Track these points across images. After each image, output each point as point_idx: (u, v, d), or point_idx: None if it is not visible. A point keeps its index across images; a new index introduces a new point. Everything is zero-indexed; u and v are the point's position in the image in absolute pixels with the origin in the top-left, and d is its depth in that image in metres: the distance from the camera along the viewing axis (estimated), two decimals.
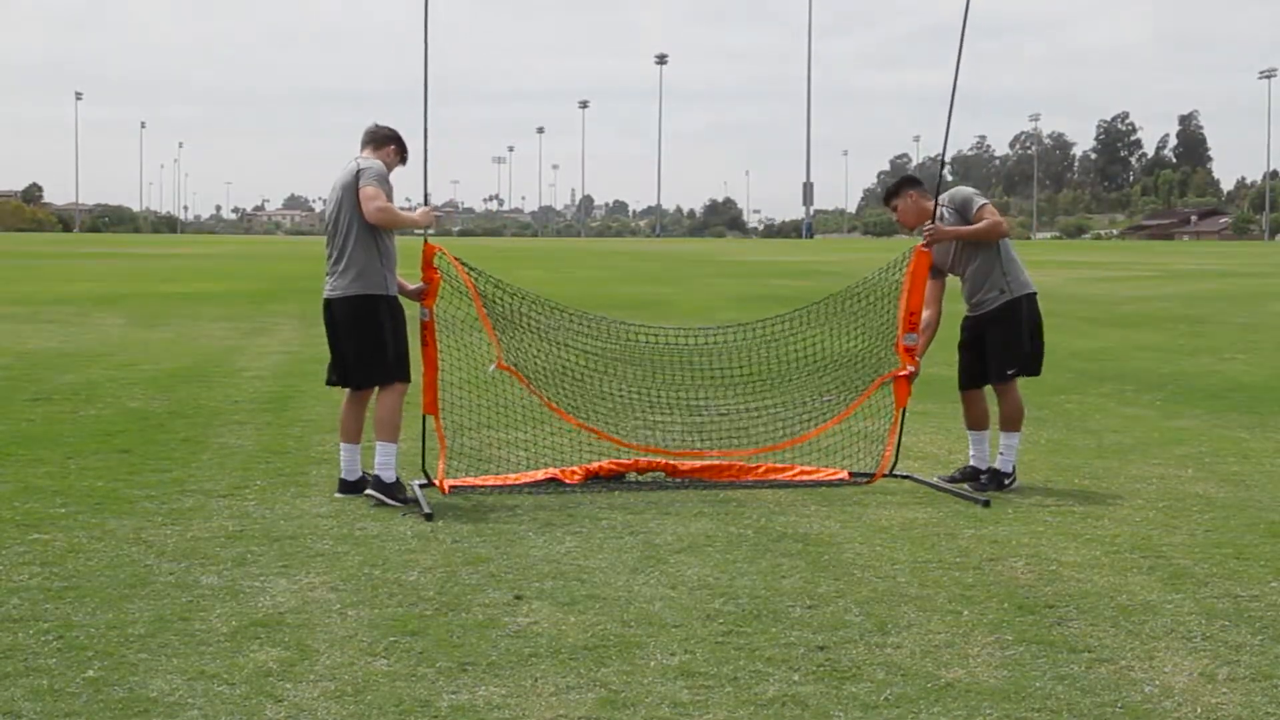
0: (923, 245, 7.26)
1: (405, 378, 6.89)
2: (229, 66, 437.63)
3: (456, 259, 7.11)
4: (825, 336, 7.99)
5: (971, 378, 7.44)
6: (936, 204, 7.40)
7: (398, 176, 7.10)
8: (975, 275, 7.30)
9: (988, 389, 7.46)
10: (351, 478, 6.89)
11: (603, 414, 7.86)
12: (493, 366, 7.28)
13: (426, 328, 6.94)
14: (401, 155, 7.09)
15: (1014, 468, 7.29)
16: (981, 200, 7.33)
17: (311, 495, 6.86)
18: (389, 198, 6.77)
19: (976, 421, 7.49)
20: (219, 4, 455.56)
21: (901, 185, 7.55)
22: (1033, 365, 7.38)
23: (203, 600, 4.95)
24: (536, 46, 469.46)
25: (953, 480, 7.36)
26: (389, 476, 6.72)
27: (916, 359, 7.41)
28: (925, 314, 7.46)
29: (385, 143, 7.05)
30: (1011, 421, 7.29)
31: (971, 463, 7.46)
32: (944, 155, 7.71)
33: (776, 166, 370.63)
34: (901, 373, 7.39)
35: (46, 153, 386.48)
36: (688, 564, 5.56)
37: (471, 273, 7.21)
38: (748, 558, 5.69)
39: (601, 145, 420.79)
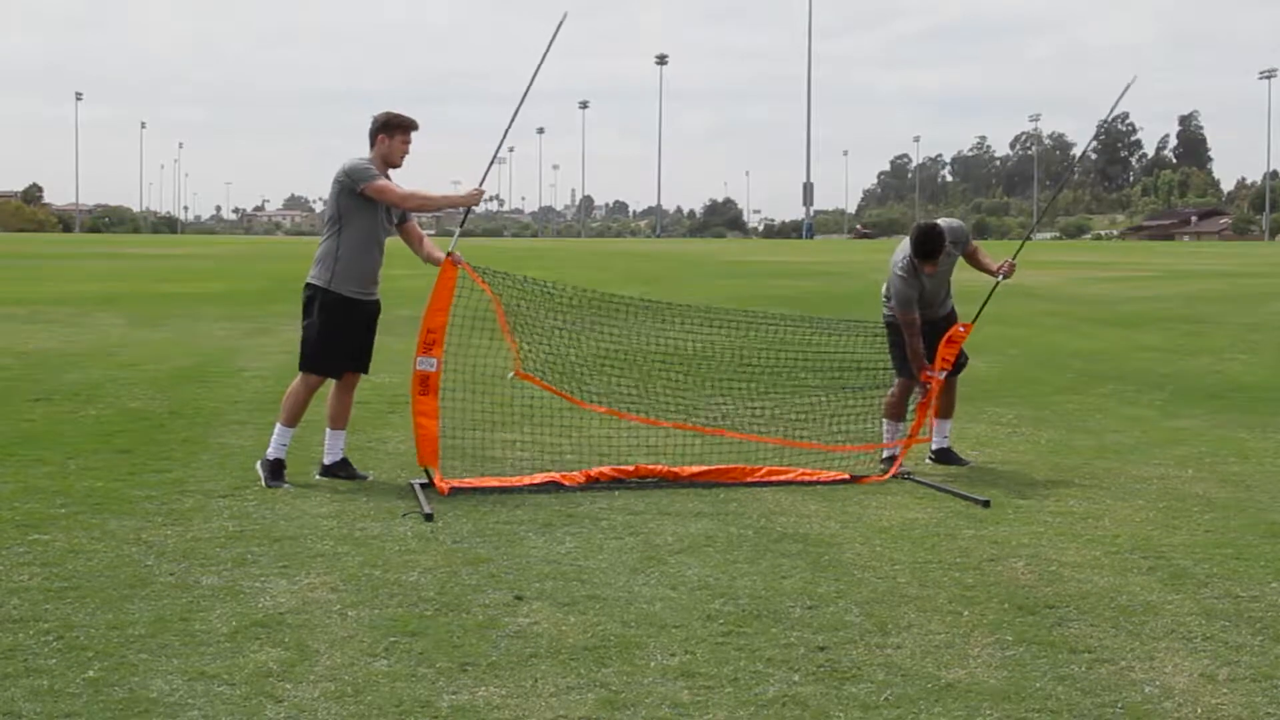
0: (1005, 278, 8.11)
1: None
2: (229, 66, 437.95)
3: (472, 268, 7.14)
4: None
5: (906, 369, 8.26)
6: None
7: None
8: (943, 296, 8.13)
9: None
10: (332, 459, 7.31)
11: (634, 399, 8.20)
12: (511, 374, 7.31)
13: (432, 379, 7.02)
14: (392, 136, 7.12)
15: None
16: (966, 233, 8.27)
17: (311, 495, 6.86)
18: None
19: (899, 413, 8.11)
20: (220, 4, 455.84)
21: (943, 239, 7.81)
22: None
23: (203, 600, 4.95)
24: (537, 47, 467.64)
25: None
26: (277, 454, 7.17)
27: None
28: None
29: (372, 139, 7.20)
30: (952, 408, 8.21)
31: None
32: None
33: (776, 166, 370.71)
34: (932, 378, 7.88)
35: (46, 153, 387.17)
36: (688, 564, 5.56)
37: (487, 276, 7.25)
38: (748, 558, 5.69)
39: (601, 145, 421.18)
